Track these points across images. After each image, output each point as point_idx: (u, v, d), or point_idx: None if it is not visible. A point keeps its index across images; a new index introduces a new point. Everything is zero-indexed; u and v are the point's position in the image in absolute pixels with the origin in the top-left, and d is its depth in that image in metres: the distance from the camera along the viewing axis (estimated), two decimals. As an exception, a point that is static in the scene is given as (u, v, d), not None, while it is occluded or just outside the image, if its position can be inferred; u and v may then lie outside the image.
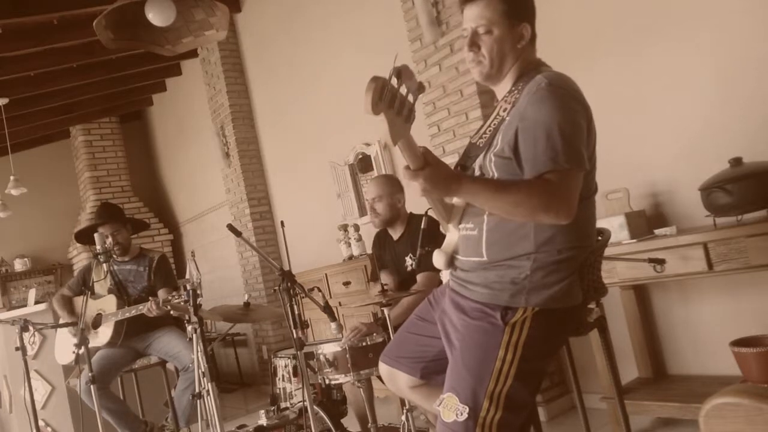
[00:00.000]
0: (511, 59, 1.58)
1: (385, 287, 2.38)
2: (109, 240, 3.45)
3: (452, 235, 1.67)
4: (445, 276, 1.73)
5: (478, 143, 1.59)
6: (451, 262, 1.65)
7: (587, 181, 1.52)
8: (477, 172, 1.63)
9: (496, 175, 1.52)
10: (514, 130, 1.47)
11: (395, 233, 2.89)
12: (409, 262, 2.77)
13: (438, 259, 1.66)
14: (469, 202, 1.58)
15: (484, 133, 1.58)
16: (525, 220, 1.46)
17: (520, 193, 1.39)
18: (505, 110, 1.54)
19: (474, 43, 1.57)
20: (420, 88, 1.41)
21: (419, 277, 2.66)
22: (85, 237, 3.63)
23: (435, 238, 2.16)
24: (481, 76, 1.61)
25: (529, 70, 1.57)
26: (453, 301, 1.60)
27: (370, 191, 2.85)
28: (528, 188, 1.40)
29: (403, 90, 1.29)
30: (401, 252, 2.82)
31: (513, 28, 1.56)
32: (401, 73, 1.29)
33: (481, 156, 1.57)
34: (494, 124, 1.55)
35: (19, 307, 5.17)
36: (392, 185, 2.84)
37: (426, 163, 1.35)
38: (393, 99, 1.25)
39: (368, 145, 4.33)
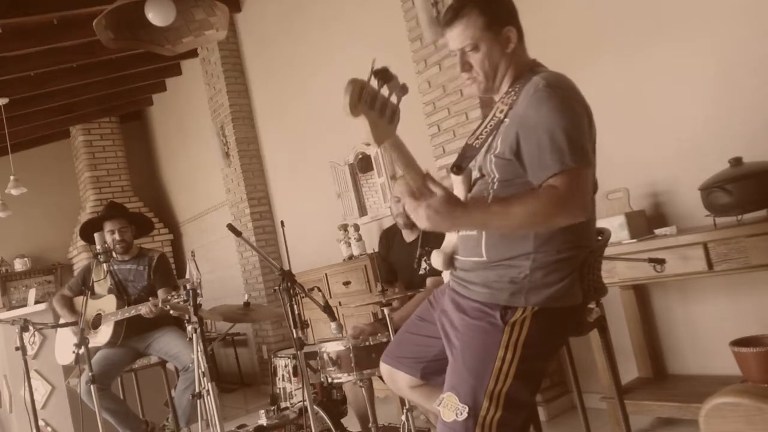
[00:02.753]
0: (504, 66, 1.58)
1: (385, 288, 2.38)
2: (115, 236, 3.48)
3: (451, 235, 1.67)
4: (447, 276, 1.73)
5: (474, 144, 1.59)
6: (449, 263, 1.65)
7: None
8: (475, 173, 1.63)
9: (497, 176, 1.52)
10: (515, 134, 1.47)
11: (409, 235, 2.90)
12: (423, 264, 2.77)
13: (436, 259, 1.66)
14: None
15: (480, 134, 1.58)
16: (542, 229, 1.45)
17: (532, 204, 1.36)
18: (501, 111, 1.53)
19: (465, 63, 1.58)
20: (403, 89, 1.39)
21: (428, 281, 2.65)
22: (90, 231, 3.59)
23: (436, 237, 2.16)
24: (480, 91, 1.62)
25: (524, 72, 1.57)
26: (453, 300, 1.61)
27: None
28: (537, 198, 1.38)
29: (385, 91, 1.27)
30: (414, 254, 2.83)
31: (498, 36, 1.56)
32: (382, 74, 1.27)
33: (480, 156, 1.57)
34: (491, 125, 1.55)
35: (19, 307, 5.16)
36: None
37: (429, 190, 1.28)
38: (374, 100, 1.22)
39: (368, 144, 4.32)
